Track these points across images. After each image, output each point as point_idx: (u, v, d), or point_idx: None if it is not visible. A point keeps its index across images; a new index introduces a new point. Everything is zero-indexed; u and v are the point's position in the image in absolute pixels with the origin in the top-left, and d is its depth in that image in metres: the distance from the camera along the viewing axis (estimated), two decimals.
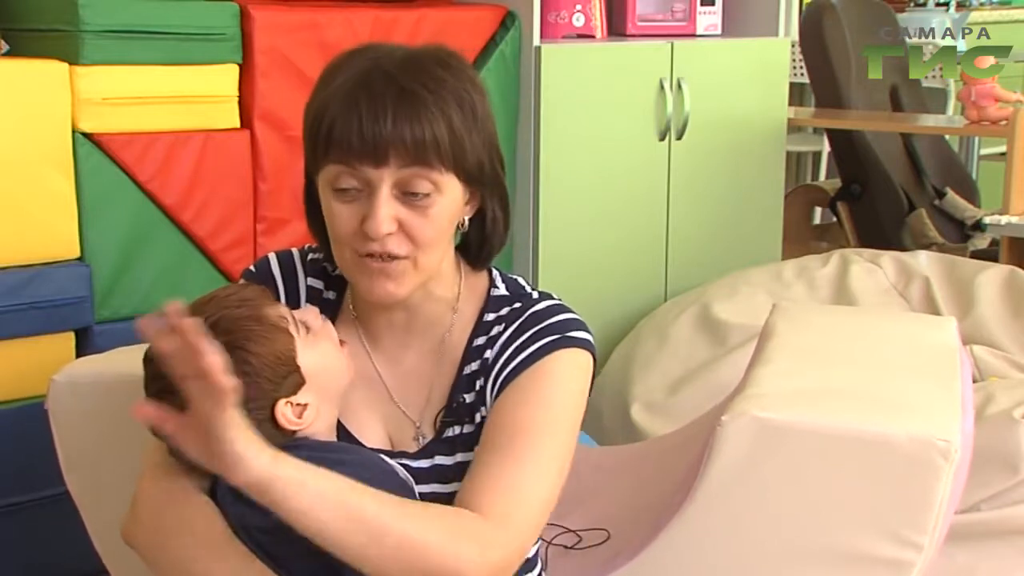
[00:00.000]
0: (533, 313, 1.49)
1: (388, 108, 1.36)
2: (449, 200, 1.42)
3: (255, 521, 1.36)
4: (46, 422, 1.82)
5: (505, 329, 1.49)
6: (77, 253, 2.39)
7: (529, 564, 1.56)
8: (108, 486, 1.73)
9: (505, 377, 1.45)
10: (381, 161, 1.37)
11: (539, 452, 1.39)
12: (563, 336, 1.46)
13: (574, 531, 1.86)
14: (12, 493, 2.35)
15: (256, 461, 1.23)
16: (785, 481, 1.55)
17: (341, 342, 1.49)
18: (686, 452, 1.82)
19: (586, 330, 1.49)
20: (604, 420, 2.89)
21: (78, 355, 2.37)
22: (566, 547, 1.84)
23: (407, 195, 1.39)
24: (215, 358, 1.18)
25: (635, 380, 2.92)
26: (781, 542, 1.56)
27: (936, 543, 1.54)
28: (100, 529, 1.82)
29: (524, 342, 1.46)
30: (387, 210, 1.38)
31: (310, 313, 1.48)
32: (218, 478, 1.43)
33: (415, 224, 1.40)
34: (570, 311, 1.51)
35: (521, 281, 1.56)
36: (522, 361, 1.45)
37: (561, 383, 1.44)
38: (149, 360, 1.42)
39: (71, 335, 2.39)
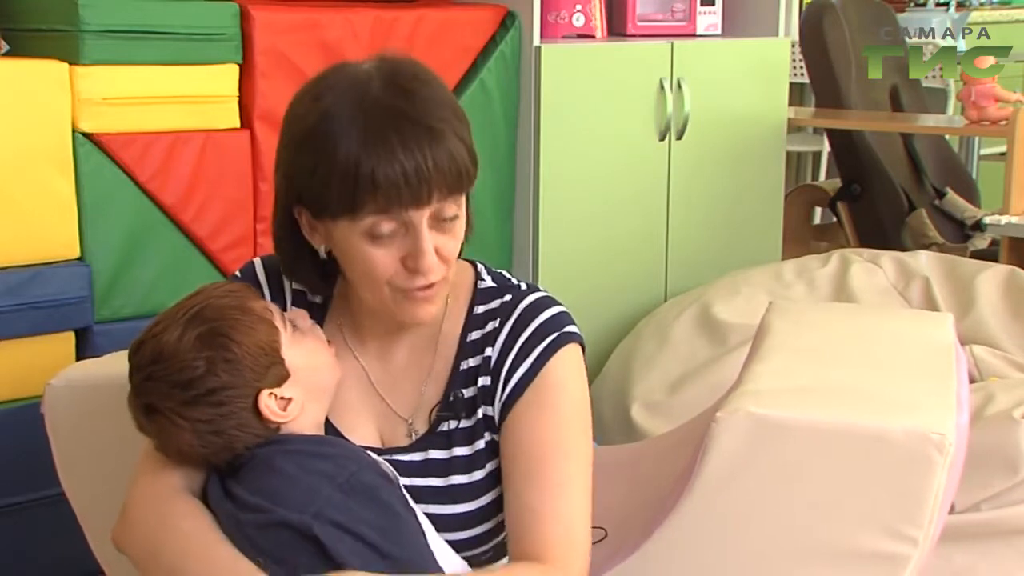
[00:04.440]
0: (527, 307, 1.51)
1: (425, 149, 1.36)
2: (463, 215, 1.45)
3: (246, 517, 1.37)
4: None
5: (501, 325, 1.51)
6: (77, 253, 2.40)
7: None
8: (104, 490, 1.72)
9: (515, 386, 1.48)
10: (425, 202, 1.37)
11: (573, 473, 1.45)
12: (560, 334, 1.49)
13: None
14: (12, 493, 2.35)
15: None
16: (780, 477, 1.55)
17: (328, 342, 1.49)
18: (683, 450, 1.82)
19: (574, 322, 1.53)
20: (604, 420, 2.89)
21: (78, 355, 2.38)
22: None
23: (438, 222, 1.41)
24: None
25: (635, 380, 2.92)
26: (776, 537, 1.56)
27: (931, 538, 1.54)
28: (96, 532, 1.81)
29: (526, 344, 1.49)
30: (430, 244, 1.40)
31: (299, 315, 1.50)
32: (209, 477, 1.44)
33: (447, 246, 1.42)
34: (557, 303, 1.54)
35: (506, 274, 1.58)
36: (529, 368, 1.48)
37: (570, 389, 1.49)
38: (135, 351, 1.43)
39: (71, 335, 2.40)
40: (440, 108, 1.40)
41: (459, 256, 1.52)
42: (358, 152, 1.36)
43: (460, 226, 1.44)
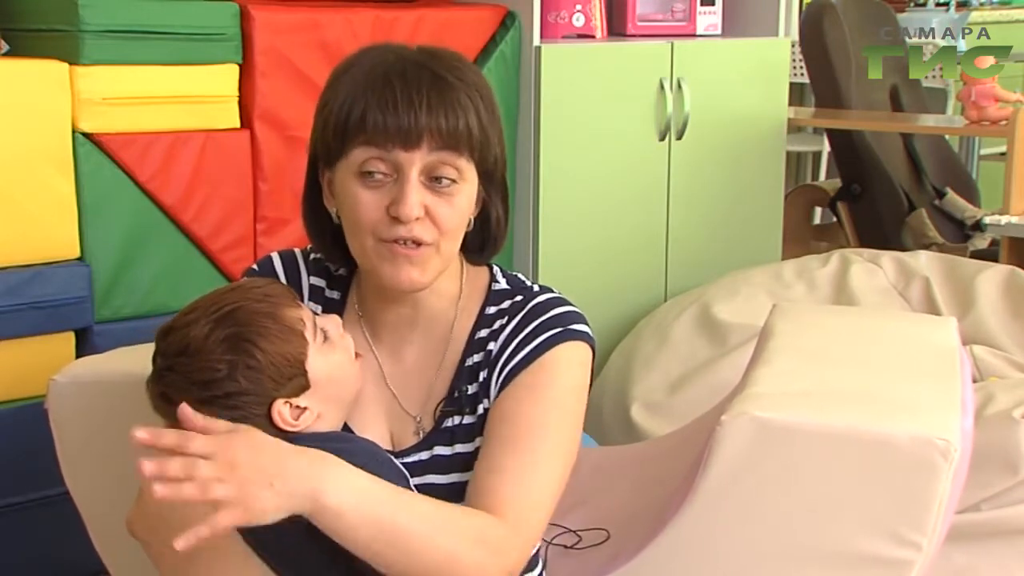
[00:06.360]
0: (535, 305, 1.51)
1: (424, 93, 1.38)
2: (469, 190, 1.44)
3: None
4: (46, 422, 1.82)
5: (508, 322, 1.50)
6: (77, 253, 2.40)
7: (530, 563, 1.56)
8: (107, 486, 1.73)
9: (510, 371, 1.47)
10: (414, 145, 1.38)
11: (547, 450, 1.42)
12: (565, 329, 1.48)
13: (574, 531, 1.86)
14: (12, 493, 2.35)
15: (299, 504, 1.25)
16: (784, 481, 1.55)
17: (357, 355, 1.49)
18: (686, 452, 1.82)
19: (586, 323, 1.52)
20: (604, 420, 2.89)
21: (78, 355, 2.38)
22: (566, 547, 1.84)
23: (433, 180, 1.41)
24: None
25: (635, 380, 2.92)
26: (780, 542, 1.56)
27: (936, 543, 1.54)
28: (99, 528, 1.82)
29: (527, 335, 1.48)
30: (416, 195, 1.39)
31: (332, 322, 1.48)
32: None
33: (441, 211, 1.41)
34: (570, 304, 1.53)
35: (521, 276, 1.58)
36: (526, 355, 1.47)
37: (564, 378, 1.47)
38: (163, 335, 1.42)
39: (71, 335, 2.40)
40: (462, 71, 1.43)
41: (477, 260, 1.53)
42: (360, 88, 1.39)
43: (460, 198, 1.43)
